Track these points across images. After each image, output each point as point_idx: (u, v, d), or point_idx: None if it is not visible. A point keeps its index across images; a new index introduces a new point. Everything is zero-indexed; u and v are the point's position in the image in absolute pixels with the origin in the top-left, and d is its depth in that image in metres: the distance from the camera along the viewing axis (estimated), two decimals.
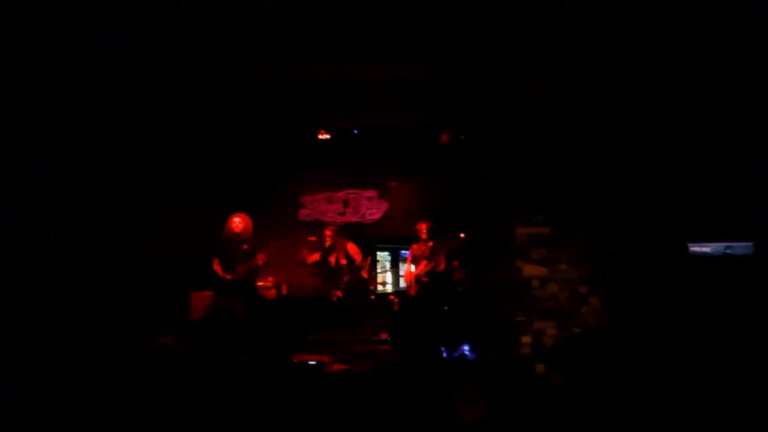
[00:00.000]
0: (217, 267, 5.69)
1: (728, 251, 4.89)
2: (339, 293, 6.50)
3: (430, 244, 6.34)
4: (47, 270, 4.76)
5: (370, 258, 6.99)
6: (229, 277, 5.65)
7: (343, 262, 6.66)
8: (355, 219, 8.08)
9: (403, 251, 7.87)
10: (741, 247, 4.89)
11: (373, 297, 7.36)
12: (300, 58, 4.59)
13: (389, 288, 8.18)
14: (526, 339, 4.78)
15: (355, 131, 6.40)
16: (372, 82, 5.10)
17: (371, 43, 4.37)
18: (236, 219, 5.79)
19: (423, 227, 6.35)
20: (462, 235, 6.01)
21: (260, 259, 5.70)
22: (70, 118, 4.93)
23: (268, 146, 6.90)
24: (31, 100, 4.63)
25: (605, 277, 4.80)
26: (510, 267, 4.96)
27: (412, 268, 6.52)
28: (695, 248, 4.96)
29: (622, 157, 5.15)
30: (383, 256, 8.32)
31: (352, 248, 6.74)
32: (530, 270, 4.88)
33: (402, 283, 7.75)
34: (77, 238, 5.14)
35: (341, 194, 8.18)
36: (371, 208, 8.14)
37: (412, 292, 6.43)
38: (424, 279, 6.24)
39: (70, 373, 3.91)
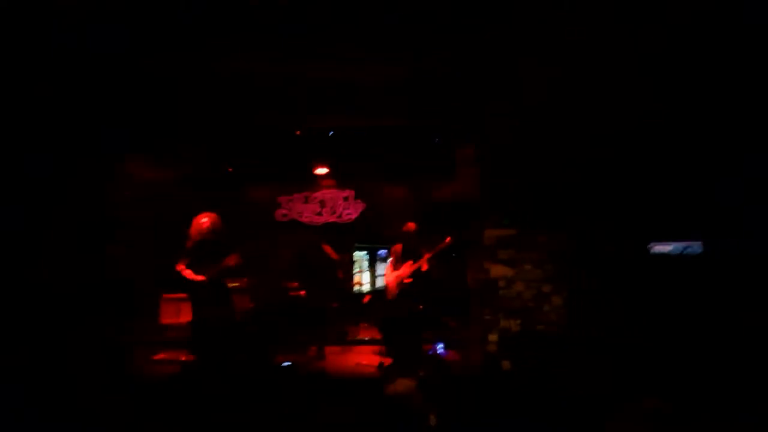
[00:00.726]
0: (184, 269, 5.07)
1: (687, 250, 5.00)
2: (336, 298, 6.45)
3: (414, 244, 6.29)
4: (47, 270, 4.76)
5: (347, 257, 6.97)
6: (201, 278, 5.09)
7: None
8: (332, 219, 8.13)
9: (380, 251, 7.86)
10: (698, 246, 5.00)
11: (367, 298, 7.34)
12: (300, 58, 4.59)
13: (366, 288, 8.17)
14: (492, 337, 4.98)
15: (331, 132, 6.30)
16: (372, 82, 5.10)
17: (371, 43, 4.37)
18: (203, 218, 5.20)
19: (411, 227, 6.31)
20: (449, 238, 5.98)
21: (232, 260, 5.16)
22: (70, 118, 4.93)
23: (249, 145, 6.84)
24: (31, 100, 4.63)
25: (567, 276, 4.99)
26: (480, 267, 5.13)
27: (393, 268, 6.48)
28: (657, 248, 5.06)
29: (621, 156, 5.16)
30: (360, 256, 8.32)
31: (327, 248, 6.73)
32: (497, 270, 5.06)
33: (379, 283, 7.73)
34: (77, 238, 5.14)
35: (318, 194, 8.23)
36: (348, 208, 8.20)
37: (393, 292, 6.32)
38: (407, 280, 6.19)
39: (70, 373, 3.91)
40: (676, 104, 4.85)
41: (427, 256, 6.05)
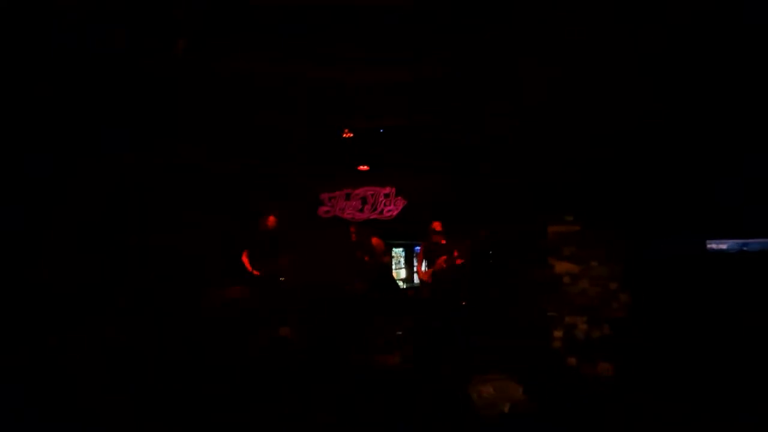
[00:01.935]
0: (246, 261, 6.04)
1: (744, 248, 4.99)
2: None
3: (444, 242, 6.32)
4: (47, 270, 4.76)
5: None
6: (256, 273, 6.00)
7: (366, 258, 6.67)
8: (373, 216, 8.23)
9: (416, 248, 7.91)
10: (756, 244, 4.98)
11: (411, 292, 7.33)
12: (300, 58, 4.59)
13: (402, 284, 8.24)
14: (557, 333, 4.94)
15: (381, 130, 6.42)
16: (372, 82, 5.10)
17: (371, 44, 4.37)
18: (271, 217, 6.18)
19: (437, 226, 6.31)
20: (483, 233, 5.98)
21: (286, 259, 6.09)
22: (70, 118, 4.93)
23: (290, 145, 7.00)
24: (31, 100, 4.63)
25: (635, 273, 4.93)
26: (543, 264, 5.11)
27: (423, 266, 6.52)
28: (712, 245, 5.04)
29: (621, 156, 5.17)
30: (398, 252, 8.38)
31: (375, 242, 6.78)
32: (562, 267, 5.03)
33: (416, 279, 7.79)
34: (77, 238, 5.14)
35: (360, 191, 8.36)
36: (389, 204, 8.30)
37: (427, 290, 6.39)
38: (443, 276, 6.20)
39: (70, 373, 3.91)
40: (677, 104, 4.85)
41: (461, 251, 6.06)
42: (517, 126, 5.99)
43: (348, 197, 8.38)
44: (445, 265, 6.25)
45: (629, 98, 4.88)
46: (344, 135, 6.56)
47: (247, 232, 6.44)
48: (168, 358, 4.27)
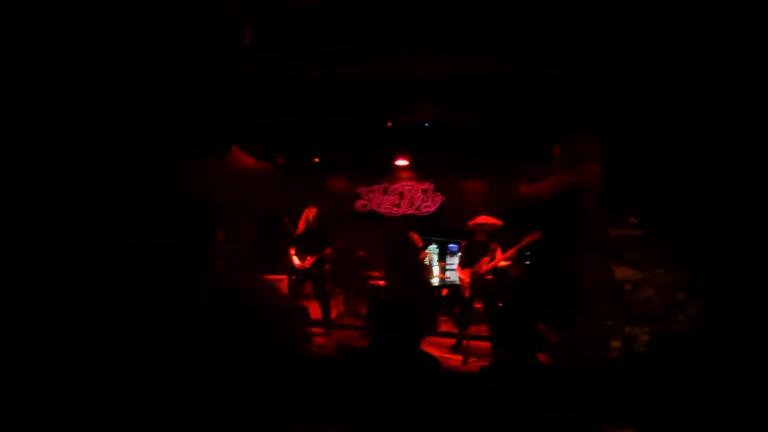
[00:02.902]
0: (293, 254, 6.35)
1: None
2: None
3: (487, 240, 6.20)
4: (47, 270, 4.76)
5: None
6: (299, 265, 6.28)
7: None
8: (411, 211, 8.27)
9: (450, 245, 7.85)
10: None
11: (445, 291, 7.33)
12: (300, 58, 4.59)
13: (436, 281, 8.17)
14: (615, 343, 4.60)
15: (426, 124, 6.34)
16: (373, 81, 5.10)
17: (371, 44, 4.36)
18: (312, 211, 6.43)
19: (481, 220, 6.21)
20: (537, 234, 5.82)
21: (329, 250, 6.31)
22: (70, 118, 4.93)
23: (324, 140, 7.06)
24: (31, 100, 4.63)
25: (706, 283, 4.56)
26: (601, 269, 4.80)
27: (461, 265, 6.42)
28: None
29: (619, 157, 5.15)
30: (432, 249, 8.35)
31: (414, 236, 6.75)
32: (622, 273, 4.68)
33: (453, 277, 7.73)
34: (77, 238, 5.13)
35: (397, 186, 8.43)
36: (426, 200, 8.30)
37: (466, 288, 6.28)
38: (488, 277, 6.10)
39: (70, 373, 3.91)
40: (676, 104, 4.84)
41: (509, 253, 5.97)
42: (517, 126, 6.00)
43: (385, 192, 8.41)
44: (485, 267, 6.12)
45: (629, 98, 4.87)
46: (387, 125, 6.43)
47: (287, 229, 6.80)
48: (168, 358, 4.27)
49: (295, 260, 6.36)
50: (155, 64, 4.68)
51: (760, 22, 3.73)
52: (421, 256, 6.90)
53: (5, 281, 4.42)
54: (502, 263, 6.02)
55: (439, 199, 8.29)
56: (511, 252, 5.95)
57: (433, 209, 8.25)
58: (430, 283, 6.98)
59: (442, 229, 7.93)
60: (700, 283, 4.55)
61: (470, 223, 6.28)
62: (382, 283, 6.69)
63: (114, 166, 5.40)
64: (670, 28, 3.99)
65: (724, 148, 4.70)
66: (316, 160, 7.90)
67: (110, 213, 5.36)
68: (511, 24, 4.06)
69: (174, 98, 5.27)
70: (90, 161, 5.26)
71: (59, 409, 3.33)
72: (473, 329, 6.29)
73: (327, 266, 6.51)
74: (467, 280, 6.21)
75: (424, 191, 8.34)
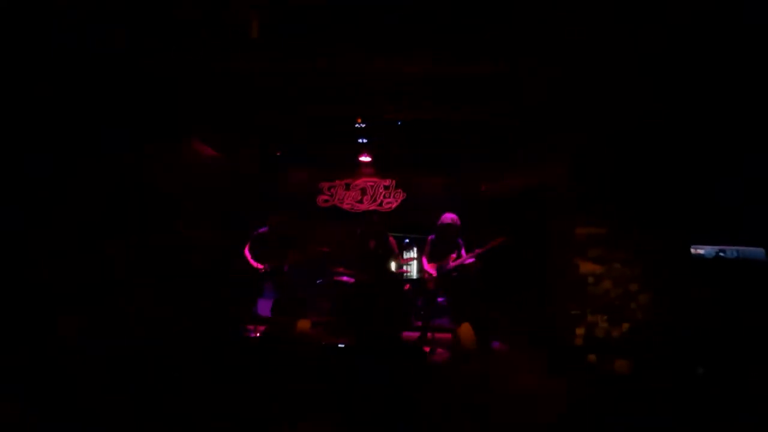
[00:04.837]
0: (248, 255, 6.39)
1: (720, 254, 5.05)
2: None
3: (454, 237, 6.25)
4: (47, 270, 4.76)
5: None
6: (260, 266, 6.32)
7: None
8: (373, 207, 8.25)
9: (405, 240, 7.81)
10: (733, 251, 5.03)
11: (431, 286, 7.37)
12: (300, 58, 4.59)
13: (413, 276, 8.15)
14: (579, 330, 5.09)
15: (399, 122, 6.33)
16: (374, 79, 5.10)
17: (371, 44, 4.37)
18: (276, 217, 6.45)
19: (448, 220, 6.24)
20: (502, 238, 5.91)
21: (293, 257, 6.35)
22: (70, 118, 4.93)
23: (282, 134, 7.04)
24: (31, 100, 4.63)
25: (654, 275, 5.07)
26: (567, 263, 5.25)
27: (428, 260, 6.45)
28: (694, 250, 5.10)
29: (621, 157, 5.16)
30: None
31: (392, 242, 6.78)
32: (586, 267, 5.17)
33: (412, 272, 7.78)
34: (77, 238, 5.13)
35: (359, 182, 8.38)
36: (389, 197, 8.31)
37: (432, 282, 6.34)
38: (454, 274, 6.20)
39: (70, 373, 3.91)
40: (677, 104, 4.85)
41: (475, 252, 6.04)
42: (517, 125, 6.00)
43: (347, 187, 8.38)
44: (452, 264, 6.19)
45: (629, 98, 4.88)
46: (357, 122, 6.44)
47: (251, 228, 6.60)
48: (169, 357, 4.27)
49: (251, 261, 6.41)
50: (155, 64, 4.69)
51: (760, 22, 3.73)
52: (404, 261, 7.01)
53: (5, 281, 4.43)
54: (468, 260, 6.12)
55: (401, 195, 8.30)
56: (477, 252, 6.05)
57: (395, 205, 8.26)
58: (401, 280, 6.97)
59: (401, 224, 7.85)
60: (651, 276, 5.07)
61: (439, 220, 6.29)
62: (349, 279, 6.67)
63: (114, 165, 5.41)
64: (670, 28, 3.99)
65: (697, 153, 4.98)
66: (278, 153, 7.86)
67: (110, 212, 5.36)
68: (511, 24, 4.06)
69: (174, 98, 5.28)
70: (90, 161, 5.26)
71: (59, 409, 3.33)
72: (437, 322, 6.42)
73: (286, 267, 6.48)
74: (435, 273, 6.31)
75: (386, 187, 8.35)
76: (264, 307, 6.69)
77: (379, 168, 8.32)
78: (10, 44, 4.07)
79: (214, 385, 3.79)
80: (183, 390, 3.67)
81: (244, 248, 6.52)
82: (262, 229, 6.56)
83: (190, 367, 4.07)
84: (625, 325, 5.03)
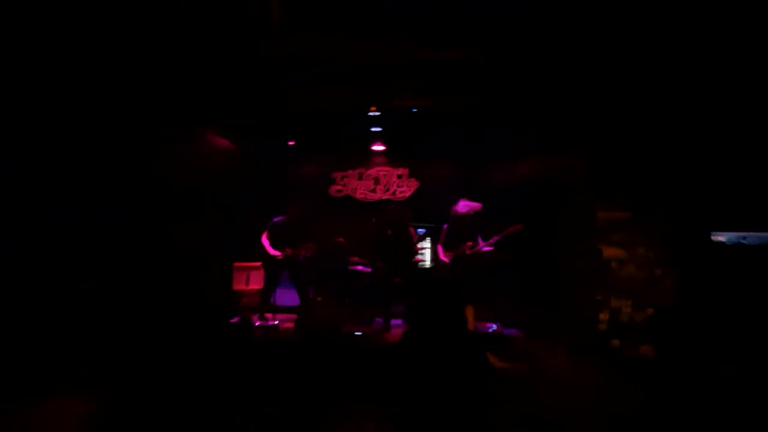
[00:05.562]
0: (266, 242, 6.41)
1: (743, 241, 5.06)
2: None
3: (470, 224, 6.10)
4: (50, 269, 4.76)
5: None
6: (277, 253, 6.32)
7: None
8: (386, 196, 8.20)
9: (419, 230, 7.71)
10: (754, 237, 5.05)
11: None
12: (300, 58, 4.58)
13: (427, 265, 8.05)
14: (603, 316, 5.01)
15: (414, 110, 6.21)
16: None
17: (371, 43, 4.35)
18: (295, 207, 6.51)
19: (462, 207, 6.13)
20: (518, 225, 5.77)
21: (308, 249, 6.33)
22: (69, 118, 4.93)
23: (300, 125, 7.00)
24: (30, 100, 4.63)
25: (680, 260, 5.01)
26: (590, 249, 5.17)
27: (443, 248, 6.33)
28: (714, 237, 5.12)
29: (643, 141, 5.10)
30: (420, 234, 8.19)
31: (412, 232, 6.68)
32: (610, 252, 5.09)
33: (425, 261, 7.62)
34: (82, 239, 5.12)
35: (372, 171, 8.33)
36: (402, 185, 8.25)
37: (448, 272, 6.20)
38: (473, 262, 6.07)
39: (71, 373, 3.92)
40: (701, 88, 4.77)
41: (492, 240, 5.91)
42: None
43: (360, 177, 8.33)
44: (469, 252, 6.05)
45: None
46: (371, 110, 6.33)
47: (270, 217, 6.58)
48: (170, 357, 4.28)
49: (268, 248, 6.39)
50: (155, 64, 4.66)
51: None
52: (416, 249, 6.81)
53: (7, 282, 4.44)
54: (486, 248, 6.04)
55: (415, 184, 8.20)
56: (494, 239, 5.93)
57: (408, 194, 8.15)
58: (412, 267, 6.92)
59: (415, 213, 7.75)
60: (676, 261, 5.01)
61: (454, 208, 6.20)
62: (365, 269, 6.60)
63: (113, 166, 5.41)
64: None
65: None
66: (291, 143, 7.77)
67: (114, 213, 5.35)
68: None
69: (174, 99, 5.26)
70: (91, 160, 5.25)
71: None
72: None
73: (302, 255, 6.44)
74: (449, 262, 6.18)
75: (399, 176, 8.26)
76: (282, 296, 6.60)
77: (391, 157, 8.22)
78: (10, 44, 4.07)
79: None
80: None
81: (261, 236, 6.49)
82: (280, 218, 6.54)
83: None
84: (650, 310, 4.97)
